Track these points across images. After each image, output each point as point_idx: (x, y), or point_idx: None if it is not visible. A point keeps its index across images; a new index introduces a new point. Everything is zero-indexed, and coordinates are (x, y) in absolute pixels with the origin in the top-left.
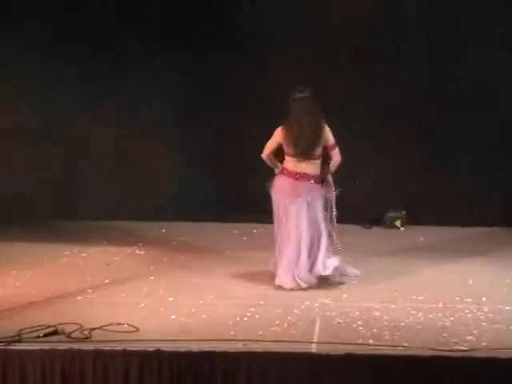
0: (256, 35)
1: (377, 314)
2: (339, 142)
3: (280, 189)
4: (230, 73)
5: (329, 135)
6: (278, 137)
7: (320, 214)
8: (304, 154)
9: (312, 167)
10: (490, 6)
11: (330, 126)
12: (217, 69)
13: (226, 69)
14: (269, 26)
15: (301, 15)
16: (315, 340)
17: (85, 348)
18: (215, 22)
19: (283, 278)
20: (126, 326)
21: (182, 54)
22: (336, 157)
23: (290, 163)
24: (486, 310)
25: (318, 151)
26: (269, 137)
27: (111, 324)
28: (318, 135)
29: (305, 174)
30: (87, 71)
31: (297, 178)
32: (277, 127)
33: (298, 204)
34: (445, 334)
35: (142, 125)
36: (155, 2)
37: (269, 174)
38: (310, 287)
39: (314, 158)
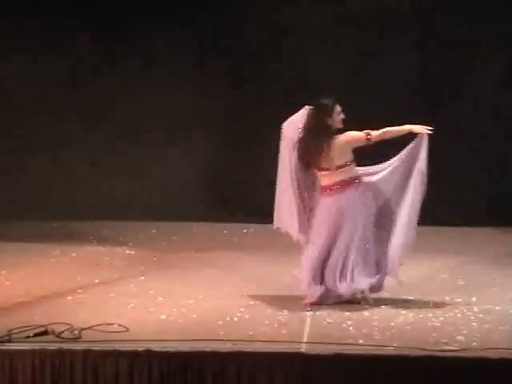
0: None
1: (366, 314)
2: None
3: (321, 207)
4: (225, 76)
5: (352, 140)
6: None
7: (348, 225)
8: (316, 168)
9: (344, 174)
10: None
11: None
12: (214, 73)
13: (226, 74)
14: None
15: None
16: (305, 340)
17: (75, 348)
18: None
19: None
20: (115, 325)
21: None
22: (381, 136)
23: (321, 178)
24: (475, 309)
25: (340, 161)
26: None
27: (101, 324)
28: (324, 148)
29: (339, 182)
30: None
31: (331, 191)
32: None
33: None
34: (435, 334)
35: (131, 125)
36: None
37: (258, 174)
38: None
39: (342, 166)
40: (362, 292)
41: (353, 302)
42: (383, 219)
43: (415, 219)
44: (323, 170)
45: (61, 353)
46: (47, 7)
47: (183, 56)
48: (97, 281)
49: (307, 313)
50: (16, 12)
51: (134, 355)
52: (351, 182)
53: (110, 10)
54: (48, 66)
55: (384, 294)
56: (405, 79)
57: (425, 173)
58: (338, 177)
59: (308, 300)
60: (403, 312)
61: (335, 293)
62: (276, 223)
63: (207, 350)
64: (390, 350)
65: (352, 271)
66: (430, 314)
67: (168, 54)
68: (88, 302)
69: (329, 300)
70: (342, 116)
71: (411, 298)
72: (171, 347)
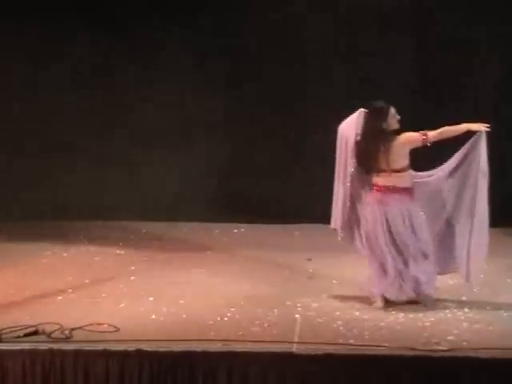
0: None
1: (357, 313)
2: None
3: (371, 204)
4: (226, 76)
5: (408, 142)
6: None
7: (403, 228)
8: (368, 171)
9: (399, 180)
10: None
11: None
12: (214, 73)
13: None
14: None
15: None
16: (295, 340)
17: (65, 348)
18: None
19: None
20: (106, 325)
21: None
22: (438, 136)
23: (376, 178)
24: (466, 310)
25: (397, 165)
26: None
27: (91, 324)
28: (382, 151)
29: (393, 187)
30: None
31: (384, 192)
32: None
33: (381, 216)
34: (425, 334)
35: (129, 125)
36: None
37: (250, 174)
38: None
39: (397, 171)
40: (423, 293)
41: (413, 302)
42: (443, 219)
43: (487, 221)
44: (380, 171)
45: (51, 353)
46: (47, 7)
47: (183, 56)
48: (87, 281)
49: (297, 312)
50: (16, 12)
51: (124, 355)
52: (402, 191)
53: (110, 10)
54: (48, 66)
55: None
56: (405, 79)
57: (487, 173)
58: (393, 181)
59: (379, 303)
60: (394, 312)
61: (401, 294)
62: (332, 224)
63: (198, 349)
64: (380, 350)
65: (415, 273)
66: (421, 314)
67: (168, 54)
68: (78, 302)
69: (395, 299)
70: (398, 117)
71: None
72: (162, 347)
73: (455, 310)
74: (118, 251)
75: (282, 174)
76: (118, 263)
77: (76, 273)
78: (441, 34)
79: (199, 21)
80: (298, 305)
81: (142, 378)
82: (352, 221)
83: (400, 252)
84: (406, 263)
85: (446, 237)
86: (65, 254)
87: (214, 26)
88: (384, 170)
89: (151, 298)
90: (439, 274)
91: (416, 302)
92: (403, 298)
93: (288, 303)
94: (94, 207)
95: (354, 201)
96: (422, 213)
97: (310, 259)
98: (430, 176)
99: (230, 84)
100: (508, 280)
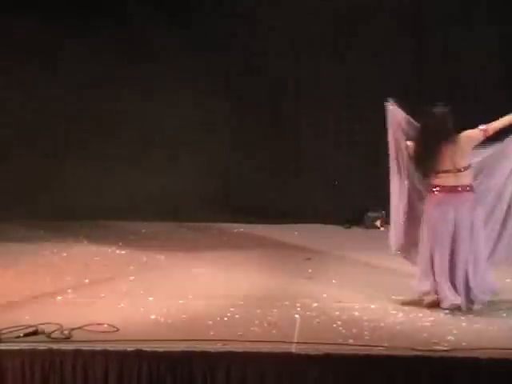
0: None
1: (356, 314)
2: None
3: (432, 205)
4: (226, 76)
5: (471, 140)
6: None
7: (464, 229)
8: (425, 175)
9: (464, 179)
10: None
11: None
12: (215, 74)
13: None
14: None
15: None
16: (295, 340)
17: (65, 348)
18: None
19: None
20: (105, 326)
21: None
22: (497, 127)
23: (439, 179)
24: (465, 310)
25: (461, 164)
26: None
27: (91, 324)
28: (443, 152)
29: (459, 186)
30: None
31: (448, 192)
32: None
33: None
34: (425, 334)
35: (126, 125)
36: None
37: (250, 174)
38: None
39: (459, 171)
40: (475, 297)
41: (416, 303)
42: (502, 218)
43: None
44: (443, 172)
45: (51, 353)
46: (47, 7)
47: (183, 56)
48: (87, 281)
49: (297, 312)
50: (15, 12)
51: (123, 355)
52: (466, 189)
53: (110, 10)
54: (47, 66)
55: (373, 294)
56: (404, 79)
57: None
58: (458, 180)
59: (446, 306)
60: (393, 312)
61: (449, 299)
62: (391, 240)
63: (197, 350)
64: (380, 350)
65: (472, 278)
66: (420, 314)
67: (168, 54)
68: (78, 302)
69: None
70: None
71: (401, 297)
72: (161, 347)
73: (455, 310)
74: (117, 251)
75: (282, 173)
76: (118, 263)
77: (76, 273)
78: (441, 34)
79: (199, 21)
80: (298, 305)
81: (142, 378)
82: (411, 232)
83: (454, 255)
84: (456, 267)
85: (504, 232)
86: (64, 254)
87: (214, 25)
88: (449, 171)
89: (151, 298)
90: (495, 265)
91: (417, 303)
92: (448, 304)
93: (287, 303)
94: (94, 207)
95: (413, 207)
96: (481, 214)
97: (309, 259)
98: (488, 176)
99: (230, 84)
100: (507, 280)
